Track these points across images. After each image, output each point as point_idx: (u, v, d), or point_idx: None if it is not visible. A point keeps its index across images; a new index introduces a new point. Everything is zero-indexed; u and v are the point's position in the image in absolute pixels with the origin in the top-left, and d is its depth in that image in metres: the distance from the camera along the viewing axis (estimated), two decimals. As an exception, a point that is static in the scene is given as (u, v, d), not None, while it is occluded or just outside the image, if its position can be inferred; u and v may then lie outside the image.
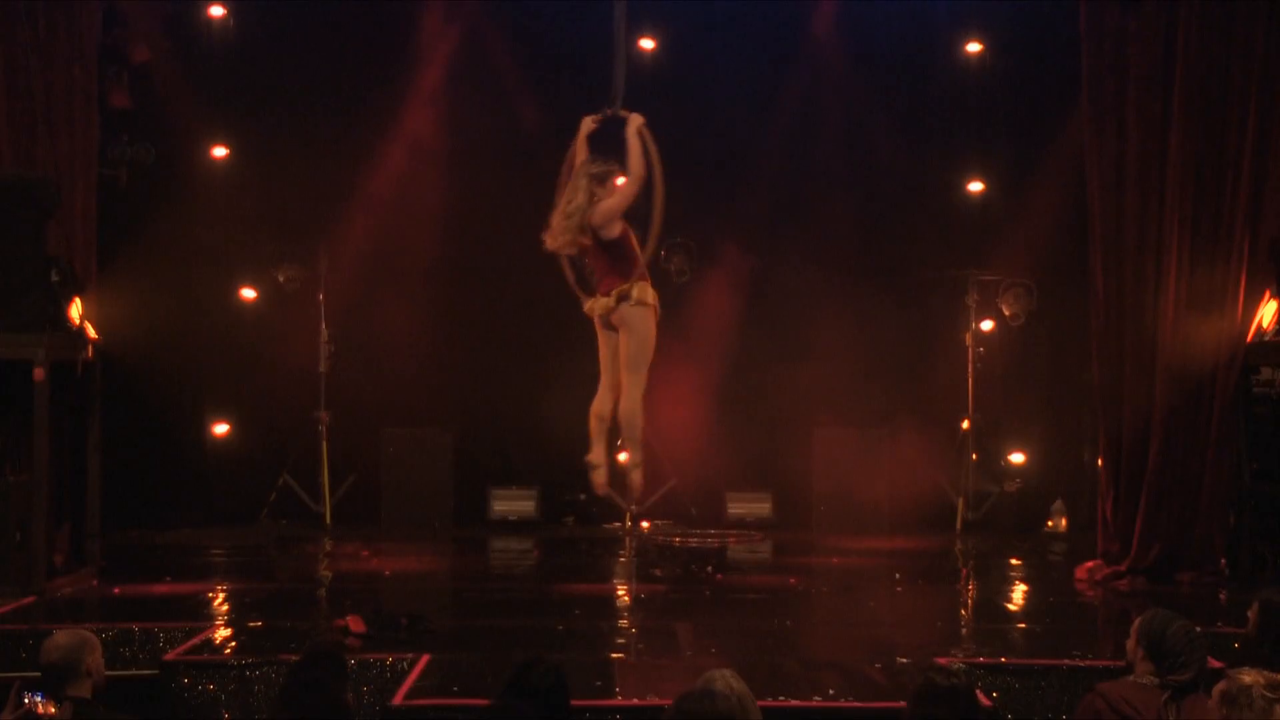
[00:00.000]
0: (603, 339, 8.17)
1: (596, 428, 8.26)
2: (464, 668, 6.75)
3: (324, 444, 11.72)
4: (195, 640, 7.17)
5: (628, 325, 7.96)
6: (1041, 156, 11.70)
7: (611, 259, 7.94)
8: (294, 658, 6.11)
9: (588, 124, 8.12)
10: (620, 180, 7.87)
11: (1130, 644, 4.97)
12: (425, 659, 6.78)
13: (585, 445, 11.78)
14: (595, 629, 7.90)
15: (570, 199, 7.88)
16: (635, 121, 7.93)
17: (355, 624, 7.39)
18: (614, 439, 11.74)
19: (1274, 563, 9.14)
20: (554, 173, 11.70)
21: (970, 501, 11.77)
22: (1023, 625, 8.48)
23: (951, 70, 12.04)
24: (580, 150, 8.10)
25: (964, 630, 8.36)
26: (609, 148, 8.05)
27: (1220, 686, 4.16)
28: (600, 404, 8.21)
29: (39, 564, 8.60)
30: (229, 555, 10.48)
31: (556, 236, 7.92)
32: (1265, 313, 9.21)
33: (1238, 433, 9.28)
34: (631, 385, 8.04)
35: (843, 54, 11.90)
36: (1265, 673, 4.15)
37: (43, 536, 8.66)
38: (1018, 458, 12.11)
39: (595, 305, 8.06)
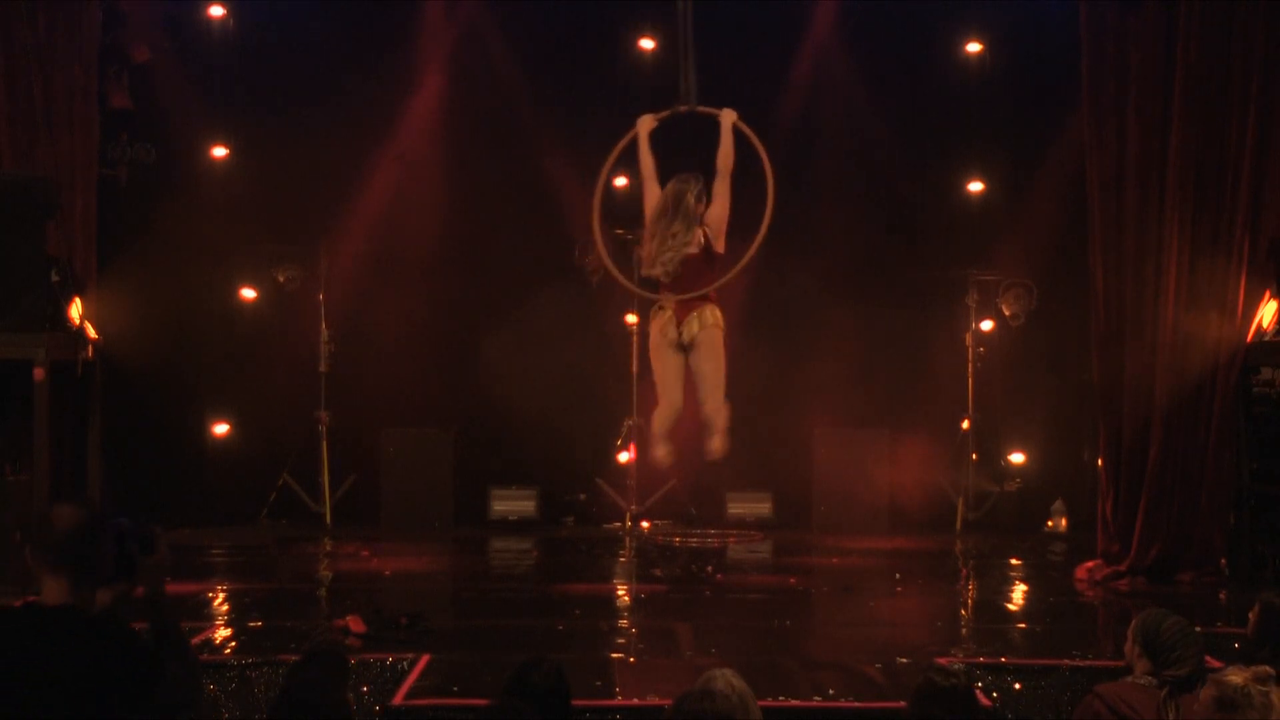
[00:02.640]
0: (664, 356, 7.65)
1: (660, 434, 7.75)
2: (464, 668, 6.75)
3: (324, 444, 11.72)
4: (195, 640, 7.17)
5: (708, 346, 7.60)
6: (1041, 156, 11.70)
7: (708, 269, 7.55)
8: (294, 658, 6.12)
9: (648, 123, 7.68)
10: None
11: (1127, 645, 4.98)
12: (425, 659, 6.79)
13: (584, 446, 11.89)
14: (595, 629, 7.90)
15: (671, 227, 7.43)
16: (730, 117, 7.63)
17: (355, 624, 7.39)
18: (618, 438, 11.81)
19: (1274, 563, 9.15)
20: (554, 172, 11.82)
21: (970, 501, 11.77)
22: (1023, 625, 8.48)
23: (951, 70, 12.04)
24: (645, 154, 7.67)
25: (964, 630, 8.36)
26: (668, 145, 7.87)
27: (1210, 693, 4.12)
28: (662, 422, 7.70)
29: (39, 564, 8.58)
30: (229, 555, 10.47)
31: (663, 264, 7.45)
32: (1265, 313, 9.22)
33: (1238, 433, 9.29)
34: (716, 391, 7.66)
35: (843, 54, 11.89)
36: (1250, 668, 4.14)
37: (43, 537, 8.64)
38: (1018, 458, 12.12)
39: (668, 326, 7.58)
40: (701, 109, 7.71)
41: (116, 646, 3.69)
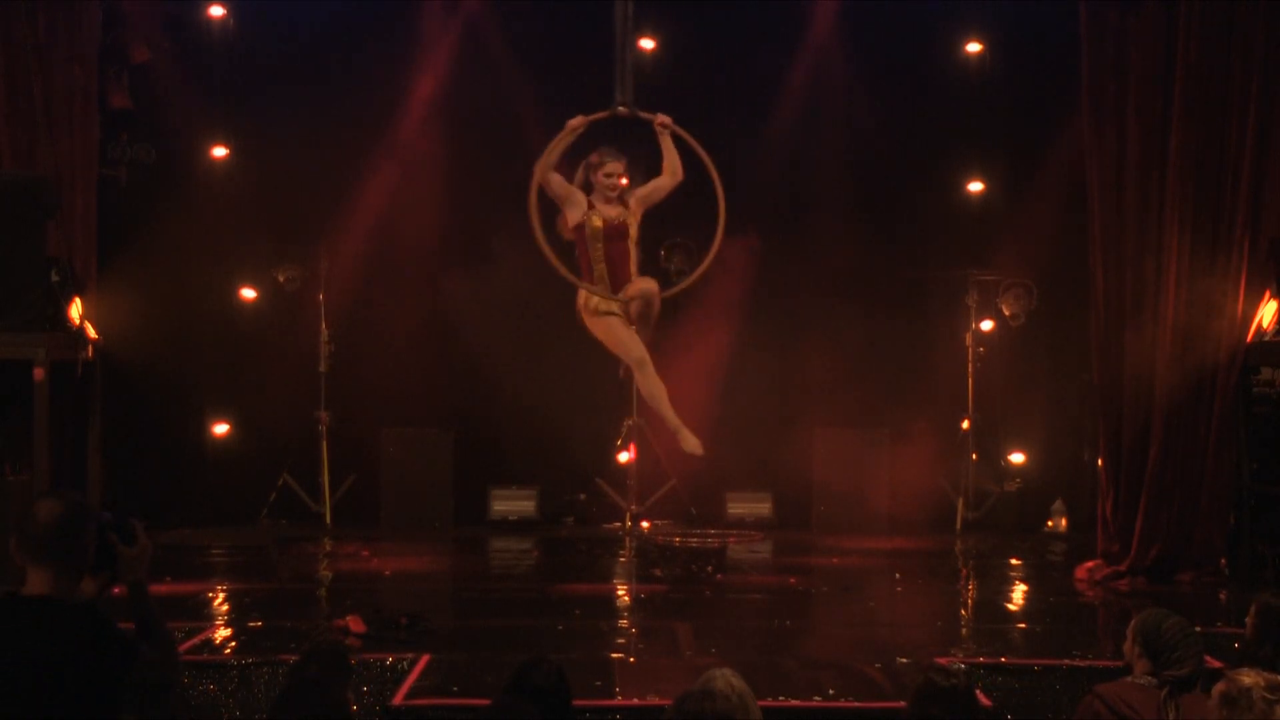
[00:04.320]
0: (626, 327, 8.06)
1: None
2: (464, 668, 6.75)
3: (324, 444, 11.71)
4: (195, 640, 7.17)
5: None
6: (1041, 156, 11.69)
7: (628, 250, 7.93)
8: (294, 658, 6.12)
9: (577, 125, 7.98)
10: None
11: (1127, 645, 4.98)
12: (425, 659, 6.79)
13: (584, 446, 11.89)
14: (595, 629, 7.89)
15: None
16: (663, 121, 7.80)
17: (355, 624, 7.39)
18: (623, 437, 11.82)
19: (1274, 563, 9.15)
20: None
21: (970, 501, 11.77)
22: (1023, 625, 8.48)
23: (951, 70, 12.04)
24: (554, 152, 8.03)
25: (964, 630, 8.35)
26: (619, 145, 7.99)
27: (1220, 688, 4.14)
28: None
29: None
30: (229, 555, 10.47)
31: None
32: (1265, 313, 9.22)
33: (1238, 433, 9.29)
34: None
35: (843, 54, 11.89)
36: (1265, 674, 4.15)
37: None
38: (1018, 458, 12.12)
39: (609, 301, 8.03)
40: (644, 115, 7.85)
41: (93, 634, 3.77)
